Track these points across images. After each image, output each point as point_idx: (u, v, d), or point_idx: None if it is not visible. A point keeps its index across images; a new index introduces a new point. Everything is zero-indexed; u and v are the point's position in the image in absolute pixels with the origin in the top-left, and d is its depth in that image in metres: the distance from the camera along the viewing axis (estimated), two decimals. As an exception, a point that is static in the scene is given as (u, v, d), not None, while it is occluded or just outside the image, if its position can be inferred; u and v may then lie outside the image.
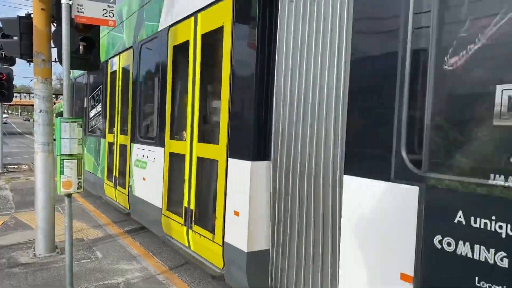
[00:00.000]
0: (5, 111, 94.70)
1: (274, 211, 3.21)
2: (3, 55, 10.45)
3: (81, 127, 3.69)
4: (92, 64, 5.17)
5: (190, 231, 4.26)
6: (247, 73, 3.36)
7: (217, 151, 3.76)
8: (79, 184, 3.70)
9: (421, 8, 2.09)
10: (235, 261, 3.44)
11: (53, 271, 4.48)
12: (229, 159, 3.54)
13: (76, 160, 3.67)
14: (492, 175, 1.71)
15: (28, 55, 5.13)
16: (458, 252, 1.83)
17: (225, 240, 3.58)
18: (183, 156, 4.42)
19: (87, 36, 4.83)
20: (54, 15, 4.80)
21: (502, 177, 1.67)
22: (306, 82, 2.91)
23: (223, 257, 3.62)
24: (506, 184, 1.67)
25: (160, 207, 4.96)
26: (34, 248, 5.05)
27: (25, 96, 64.18)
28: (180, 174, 4.50)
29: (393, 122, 2.17)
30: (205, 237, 3.95)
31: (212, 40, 3.94)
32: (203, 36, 4.06)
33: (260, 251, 3.30)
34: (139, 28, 5.73)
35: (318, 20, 2.79)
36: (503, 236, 1.67)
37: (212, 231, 3.82)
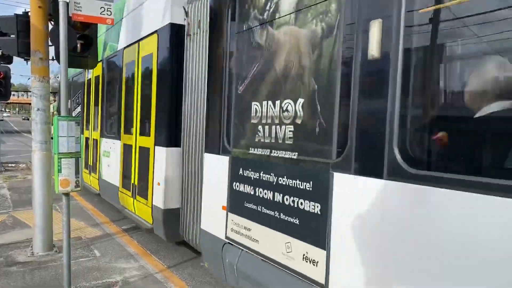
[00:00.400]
0: (3, 109, 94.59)
1: (182, 182, 4.60)
2: (1, 53, 10.41)
3: (78, 125, 3.68)
4: (90, 63, 5.16)
5: (135, 200, 5.69)
6: (165, 86, 4.85)
7: (149, 141, 5.22)
8: (77, 182, 3.70)
9: None
10: (158, 217, 4.93)
11: (51, 269, 4.48)
12: (155, 147, 5.04)
13: (74, 159, 3.66)
14: (251, 149, 3.15)
15: (25, 53, 5.13)
16: (241, 190, 3.26)
17: (153, 203, 5.04)
18: (131, 146, 5.86)
19: (84, 34, 4.81)
20: (51, 13, 4.78)
21: (256, 149, 3.10)
22: (197, 92, 4.24)
23: (152, 216, 5.08)
24: (257, 152, 3.07)
25: (118, 185, 6.39)
26: (31, 246, 5.04)
27: (22, 95, 64.03)
28: (129, 160, 5.91)
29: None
30: (142, 203, 5.40)
31: (147, 61, 5.32)
32: (142, 58, 5.53)
33: (173, 208, 4.76)
34: (106, 47, 7.29)
35: (200, 50, 4.20)
36: (259, 179, 3.07)
37: (146, 198, 5.27)
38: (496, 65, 1.90)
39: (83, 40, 4.78)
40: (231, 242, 3.44)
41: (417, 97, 2.13)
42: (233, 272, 3.40)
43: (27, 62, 5.29)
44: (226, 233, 3.50)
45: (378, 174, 2.09)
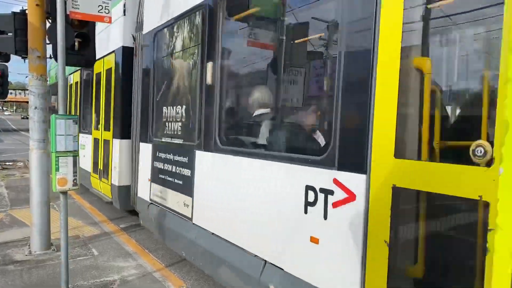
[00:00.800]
0: (2, 108, 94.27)
1: (132, 165, 6.06)
2: (-2, 51, 10.38)
3: (76, 124, 3.67)
4: (88, 61, 5.14)
5: (100, 182, 7.34)
6: (119, 93, 6.36)
7: (109, 135, 6.77)
8: (75, 181, 3.69)
9: None
10: (114, 192, 6.48)
11: (49, 268, 4.47)
12: (113, 139, 6.57)
13: (71, 157, 3.65)
14: (163, 138, 4.64)
15: (23, 52, 5.10)
16: (157, 166, 4.69)
17: (111, 182, 6.65)
18: (98, 139, 7.46)
19: (82, 32, 4.79)
20: (49, 11, 4.76)
21: (165, 138, 4.62)
22: (143, 96, 5.48)
23: (111, 191, 6.69)
24: (165, 140, 4.57)
25: (90, 171, 7.97)
26: (29, 245, 5.03)
27: (20, 93, 63.79)
28: (97, 150, 7.55)
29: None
30: (105, 183, 7.02)
31: (109, 73, 6.86)
32: (106, 70, 7.03)
33: (125, 185, 6.29)
34: None
35: (139, 68, 5.71)
36: (166, 158, 4.55)
37: (108, 178, 6.86)
38: (255, 91, 3.61)
39: (81, 38, 4.77)
40: (152, 202, 5.04)
41: (230, 105, 3.99)
42: (154, 222, 4.99)
43: (24, 60, 5.27)
44: (150, 197, 5.10)
45: (210, 150, 3.74)
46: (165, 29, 4.69)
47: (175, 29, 4.45)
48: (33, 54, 4.78)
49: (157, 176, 4.84)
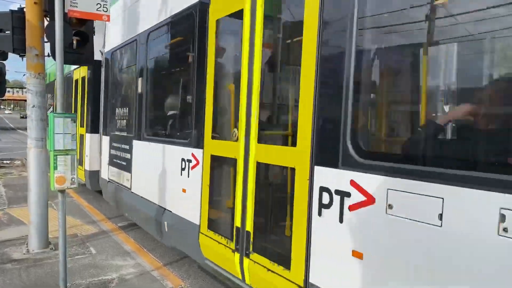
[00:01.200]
0: (2, 107, 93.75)
1: (100, 154, 7.20)
2: (-4, 49, 10.35)
3: (74, 122, 3.66)
4: (86, 59, 5.13)
5: (84, 172, 8.50)
6: (90, 96, 8.03)
7: (83, 130, 8.37)
8: (73, 179, 3.68)
9: None
10: (87, 176, 8.20)
11: (47, 267, 4.46)
12: (86, 133, 8.23)
13: (69, 156, 3.64)
14: (116, 132, 6.24)
15: (20, 50, 5.08)
16: (112, 153, 6.32)
17: (85, 168, 8.27)
18: (83, 135, 8.54)
19: (80, 30, 4.78)
20: (47, 9, 4.75)
21: (117, 131, 6.25)
22: (105, 100, 6.90)
23: (84, 176, 8.31)
24: (117, 133, 6.19)
25: None
26: (27, 244, 5.02)
27: (17, 91, 63.60)
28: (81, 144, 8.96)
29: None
30: (80, 169, 8.38)
31: (83, 80, 8.51)
32: (81, 77, 8.67)
33: (95, 170, 7.80)
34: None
35: (105, 75, 7.06)
36: (117, 146, 6.27)
37: (82, 165, 8.40)
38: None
39: (79, 36, 4.76)
40: (110, 181, 6.52)
41: (152, 107, 5.29)
42: (111, 195, 6.52)
43: (22, 59, 5.25)
44: (108, 177, 6.60)
45: (140, 139, 5.24)
46: (117, 51, 6.32)
47: (122, 52, 6.15)
48: (31, 52, 4.77)
49: (112, 161, 6.39)
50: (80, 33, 4.82)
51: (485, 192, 1.68)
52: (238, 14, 3.26)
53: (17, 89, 63.92)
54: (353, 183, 2.26)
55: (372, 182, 2.16)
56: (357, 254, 2.28)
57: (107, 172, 6.60)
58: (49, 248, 5.00)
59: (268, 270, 2.95)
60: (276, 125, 3.45)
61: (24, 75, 5.24)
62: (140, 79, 5.19)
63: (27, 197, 5.04)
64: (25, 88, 5.07)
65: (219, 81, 3.73)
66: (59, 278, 3.71)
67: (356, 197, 2.25)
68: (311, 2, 2.58)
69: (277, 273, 2.87)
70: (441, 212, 1.83)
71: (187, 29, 4.09)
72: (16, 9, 5.15)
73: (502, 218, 1.62)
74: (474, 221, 1.72)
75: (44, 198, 4.98)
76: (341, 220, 2.35)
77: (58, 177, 3.60)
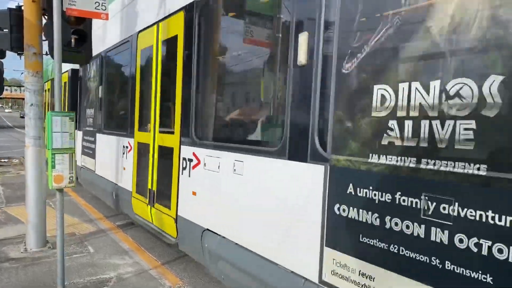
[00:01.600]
0: (2, 106, 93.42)
1: (81, 149, 8.34)
2: (-7, 47, 10.34)
3: (72, 121, 3.66)
4: (84, 58, 5.12)
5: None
6: (70, 98, 9.26)
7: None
8: (71, 178, 3.68)
9: None
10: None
11: (44, 266, 4.46)
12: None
13: (67, 154, 3.64)
14: (87, 127, 8.04)
15: (18, 48, 5.07)
16: (84, 144, 8.38)
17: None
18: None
19: (79, 29, 4.77)
20: (45, 8, 4.74)
21: (88, 127, 8.01)
22: (80, 101, 8.80)
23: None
24: (88, 128, 8.02)
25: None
26: (25, 242, 5.01)
27: (15, 90, 63.40)
28: None
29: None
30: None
31: (65, 84, 9.69)
32: (64, 82, 9.71)
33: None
34: (50, 71, 11.13)
35: (80, 80, 9.11)
36: (88, 140, 8.22)
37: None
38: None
39: (77, 35, 4.74)
40: (82, 167, 8.14)
41: (109, 108, 7.09)
42: (83, 179, 8.13)
43: (20, 57, 5.24)
44: (81, 164, 8.30)
45: (100, 132, 7.04)
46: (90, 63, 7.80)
47: (91, 64, 7.56)
48: (29, 50, 4.76)
49: (84, 150, 8.13)
50: (78, 31, 4.80)
51: (231, 153, 3.30)
52: (151, 48, 4.95)
53: (15, 87, 63.73)
54: (193, 154, 3.90)
55: (200, 152, 3.78)
56: (194, 193, 3.93)
57: (80, 160, 8.44)
58: (47, 247, 5.00)
59: (161, 212, 4.59)
60: (168, 120, 4.65)
61: (22, 73, 5.26)
62: (100, 87, 7.10)
63: (24, 196, 5.03)
64: (23, 86, 5.07)
65: (143, 91, 5.27)
66: (57, 277, 3.71)
67: (194, 161, 3.88)
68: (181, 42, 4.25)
69: (165, 213, 4.50)
70: (219, 165, 3.47)
71: (127, 52, 5.81)
72: (14, 7, 5.14)
73: (234, 164, 3.27)
74: (228, 166, 3.35)
75: (42, 196, 4.98)
76: (189, 175, 3.99)
77: (56, 176, 3.60)
